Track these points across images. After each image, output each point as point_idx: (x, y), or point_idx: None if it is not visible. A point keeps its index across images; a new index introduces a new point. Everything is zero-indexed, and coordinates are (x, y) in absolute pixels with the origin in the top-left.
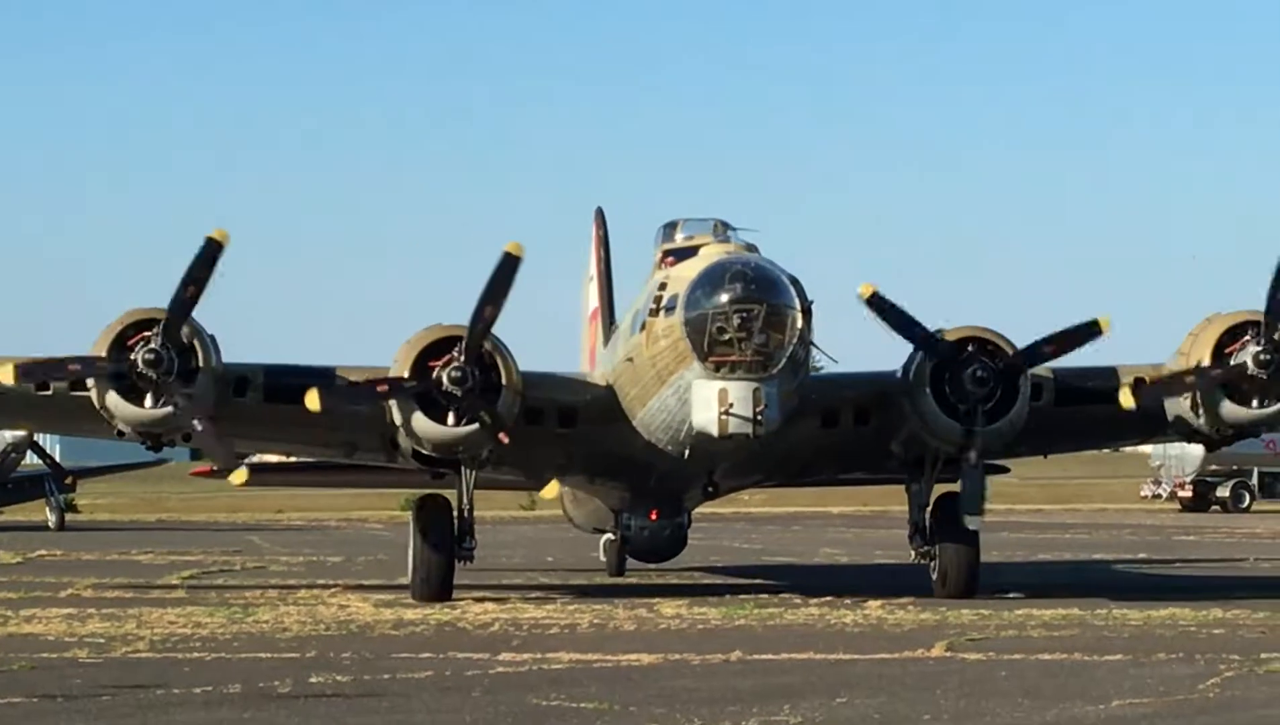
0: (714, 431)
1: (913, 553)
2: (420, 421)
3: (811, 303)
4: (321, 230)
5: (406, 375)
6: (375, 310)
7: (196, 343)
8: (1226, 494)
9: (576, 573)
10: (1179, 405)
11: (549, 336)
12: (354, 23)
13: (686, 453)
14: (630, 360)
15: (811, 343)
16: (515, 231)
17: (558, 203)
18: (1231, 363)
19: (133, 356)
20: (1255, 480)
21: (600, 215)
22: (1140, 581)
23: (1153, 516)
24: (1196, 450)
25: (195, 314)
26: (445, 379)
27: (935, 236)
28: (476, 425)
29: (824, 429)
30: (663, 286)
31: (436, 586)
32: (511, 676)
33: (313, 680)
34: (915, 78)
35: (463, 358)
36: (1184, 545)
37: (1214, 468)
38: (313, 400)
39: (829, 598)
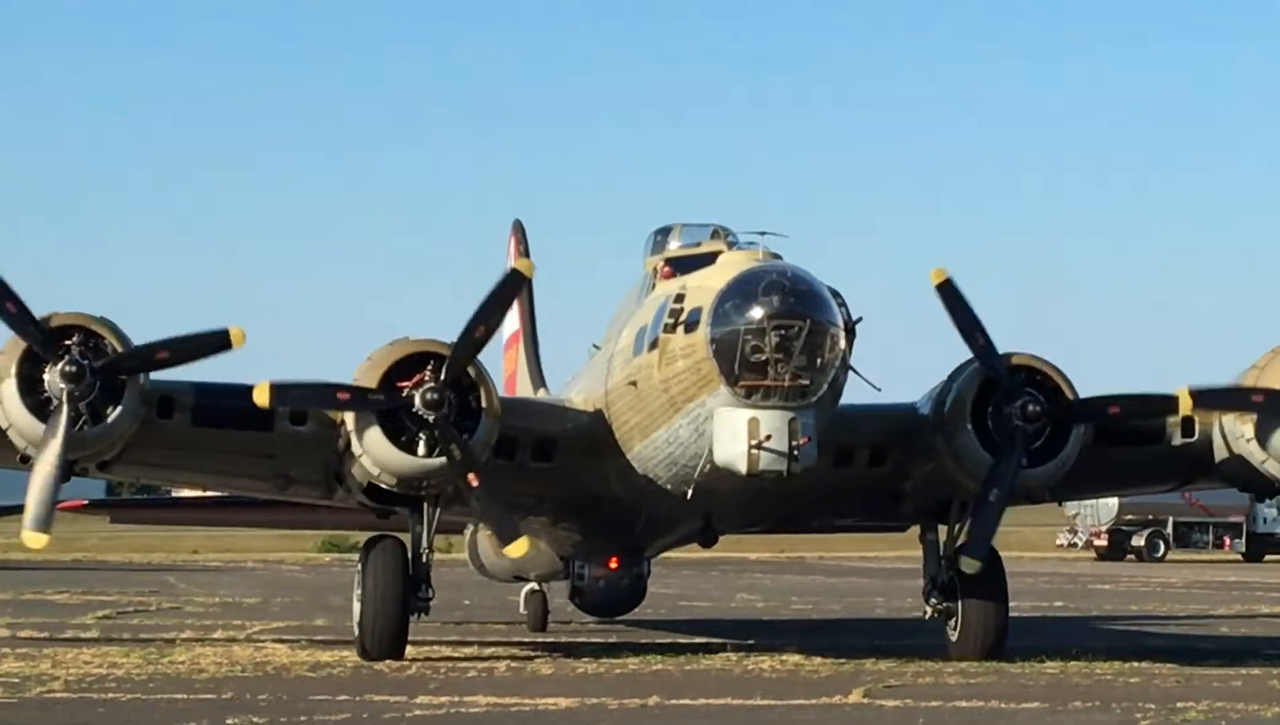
0: (742, 468)
1: (927, 609)
2: (384, 448)
3: (858, 321)
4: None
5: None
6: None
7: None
8: (1141, 543)
9: (493, 623)
10: (1239, 443)
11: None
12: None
13: (689, 493)
14: (633, 384)
15: (851, 367)
16: (424, 241)
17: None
18: None
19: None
20: (1170, 530)
21: (519, 228)
22: (1056, 630)
23: (1068, 565)
24: (1112, 499)
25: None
26: (418, 400)
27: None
28: (446, 458)
29: (835, 469)
30: (680, 298)
31: (388, 642)
32: (429, 720)
33: (229, 722)
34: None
35: (441, 378)
36: (1100, 594)
37: (1129, 517)
38: (262, 394)
39: (749, 642)
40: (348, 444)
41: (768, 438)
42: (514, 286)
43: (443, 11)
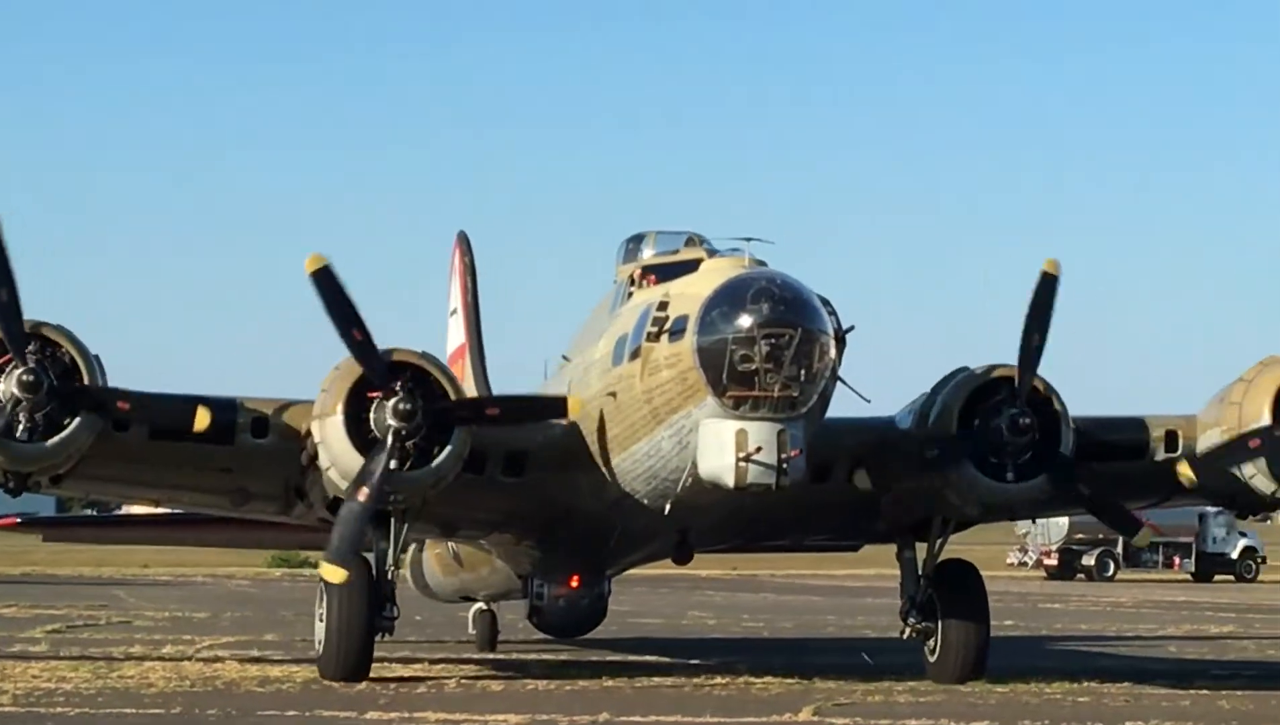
0: (729, 481)
1: (905, 629)
2: (353, 460)
3: (850, 329)
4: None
5: (341, 407)
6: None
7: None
8: (1092, 563)
9: (442, 641)
10: (1241, 466)
11: None
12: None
13: (668, 507)
14: (613, 395)
15: (839, 377)
16: (360, 259)
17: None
18: None
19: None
20: (1120, 549)
21: (464, 240)
22: (1006, 649)
23: (1019, 584)
24: (1063, 519)
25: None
26: (390, 411)
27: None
28: (425, 469)
29: (814, 484)
30: (663, 306)
31: (353, 663)
32: None
33: None
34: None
35: (419, 389)
36: (1050, 613)
37: (1080, 536)
38: (315, 261)
39: (697, 660)
40: (315, 456)
41: (757, 450)
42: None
43: (414, 10)
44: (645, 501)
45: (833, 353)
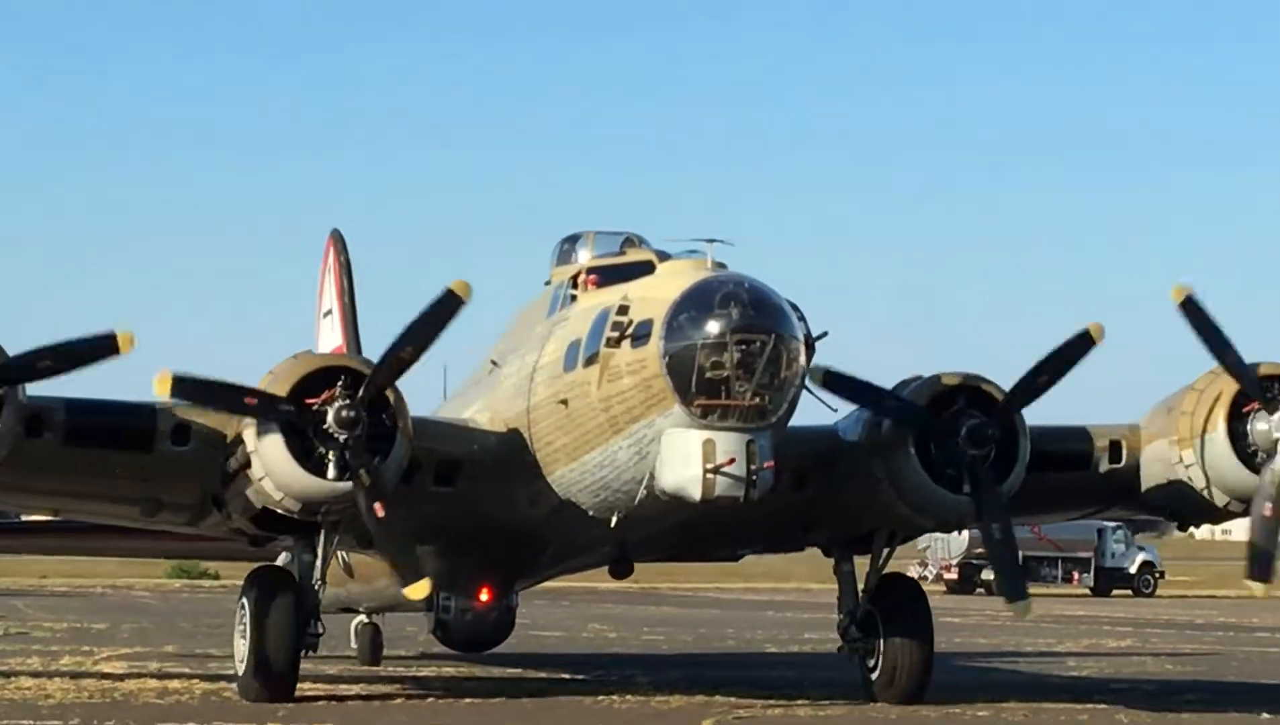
0: (695, 493)
1: (844, 645)
2: (289, 470)
3: (822, 336)
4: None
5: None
6: None
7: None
8: (991, 577)
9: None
10: (1178, 469)
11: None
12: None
13: (615, 520)
14: (564, 402)
15: (806, 386)
16: (233, 262)
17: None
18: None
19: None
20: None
21: (338, 239)
22: None
23: None
24: (963, 533)
25: None
26: (331, 418)
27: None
28: (353, 481)
29: None
30: (623, 310)
31: (279, 684)
32: None
33: None
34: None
35: (359, 395)
36: (950, 627)
37: (979, 551)
38: (162, 384)
39: (598, 673)
40: (245, 464)
41: (730, 461)
42: (448, 308)
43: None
44: (590, 513)
45: (803, 360)
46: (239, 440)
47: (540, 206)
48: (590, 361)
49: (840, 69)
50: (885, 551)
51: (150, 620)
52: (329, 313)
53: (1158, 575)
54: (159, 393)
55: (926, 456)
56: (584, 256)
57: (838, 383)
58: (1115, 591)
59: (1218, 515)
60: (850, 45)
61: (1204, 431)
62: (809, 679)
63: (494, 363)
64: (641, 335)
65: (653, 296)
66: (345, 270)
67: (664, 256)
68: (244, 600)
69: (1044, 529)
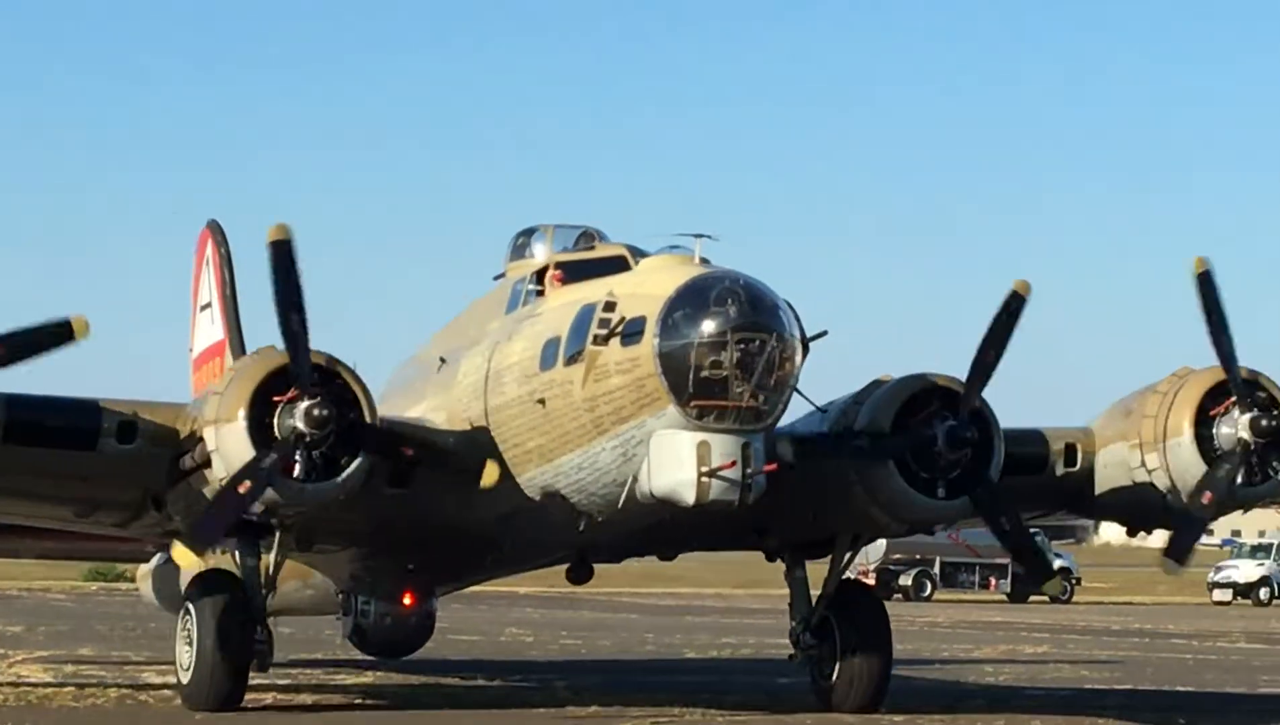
0: (688, 497)
1: (797, 652)
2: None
3: (821, 335)
4: None
5: (244, 412)
6: None
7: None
8: (909, 583)
9: None
10: (1138, 473)
11: (135, 379)
12: None
13: (584, 524)
14: (541, 402)
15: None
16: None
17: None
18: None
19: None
20: (937, 570)
21: (216, 230)
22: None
23: None
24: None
25: None
26: (301, 417)
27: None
28: (331, 482)
29: None
30: (610, 307)
31: (225, 692)
32: None
33: None
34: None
35: (314, 391)
36: None
37: (897, 556)
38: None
39: (516, 678)
40: (203, 463)
41: (730, 464)
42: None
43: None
44: (556, 516)
45: (799, 360)
46: (194, 438)
47: (457, 199)
48: (573, 360)
49: (799, 67)
50: (847, 556)
51: (66, 623)
52: (207, 306)
53: (1074, 582)
54: (270, 237)
55: (900, 463)
56: (540, 251)
57: (807, 445)
58: (1032, 598)
59: (1169, 517)
60: (824, 42)
61: (1168, 436)
62: (729, 684)
63: (442, 360)
64: (633, 333)
65: (642, 293)
66: (226, 262)
67: (636, 252)
68: (189, 605)
69: (962, 534)
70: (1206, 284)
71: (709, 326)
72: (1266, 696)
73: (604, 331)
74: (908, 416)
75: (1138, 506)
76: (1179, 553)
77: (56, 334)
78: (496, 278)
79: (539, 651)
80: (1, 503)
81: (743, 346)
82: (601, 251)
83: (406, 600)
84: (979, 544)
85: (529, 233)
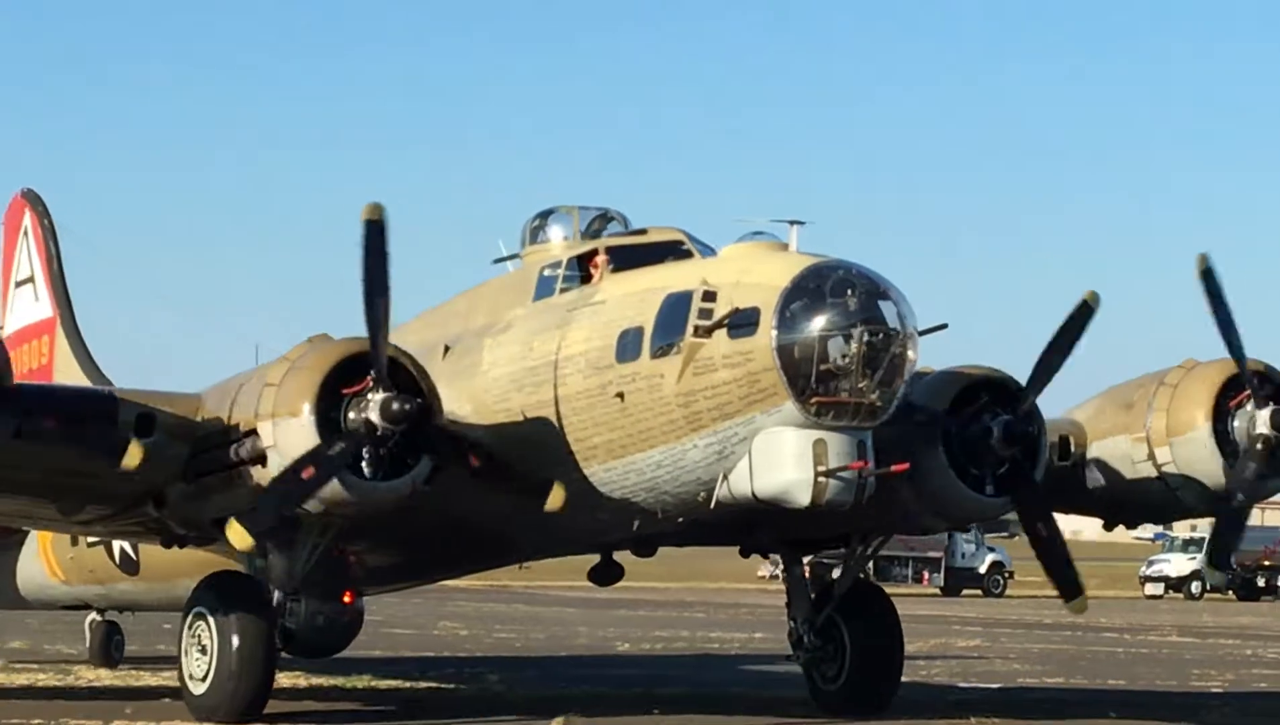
0: (803, 498)
1: (797, 654)
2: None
3: (941, 327)
4: None
5: (311, 405)
6: None
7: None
8: (838, 576)
9: None
10: (1143, 467)
11: None
12: None
13: (639, 524)
14: (619, 395)
15: None
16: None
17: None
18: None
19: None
20: (871, 564)
21: (33, 199)
22: (760, 662)
23: (770, 597)
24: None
25: None
26: (378, 413)
27: None
28: (400, 480)
29: None
30: (710, 296)
31: (248, 704)
32: None
33: None
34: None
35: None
36: None
37: (827, 551)
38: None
39: (449, 670)
40: (255, 459)
41: (863, 463)
42: (378, 235)
43: None
44: (605, 516)
45: (917, 354)
46: (238, 432)
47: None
48: (663, 352)
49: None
50: (865, 555)
51: None
52: (26, 281)
53: (1007, 575)
54: (365, 216)
55: (951, 456)
56: (559, 232)
57: (1211, 286)
58: (965, 591)
59: (1179, 515)
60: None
61: (1180, 430)
62: (661, 678)
63: (445, 347)
64: (744, 324)
65: (750, 282)
66: (50, 234)
67: (693, 238)
68: (202, 609)
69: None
70: (1210, 279)
71: (833, 318)
72: (1197, 691)
73: (707, 322)
74: (960, 406)
75: (1138, 501)
76: (1224, 555)
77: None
78: (498, 262)
79: (473, 645)
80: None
81: (868, 340)
82: (655, 236)
83: (346, 599)
84: (912, 538)
85: (546, 215)
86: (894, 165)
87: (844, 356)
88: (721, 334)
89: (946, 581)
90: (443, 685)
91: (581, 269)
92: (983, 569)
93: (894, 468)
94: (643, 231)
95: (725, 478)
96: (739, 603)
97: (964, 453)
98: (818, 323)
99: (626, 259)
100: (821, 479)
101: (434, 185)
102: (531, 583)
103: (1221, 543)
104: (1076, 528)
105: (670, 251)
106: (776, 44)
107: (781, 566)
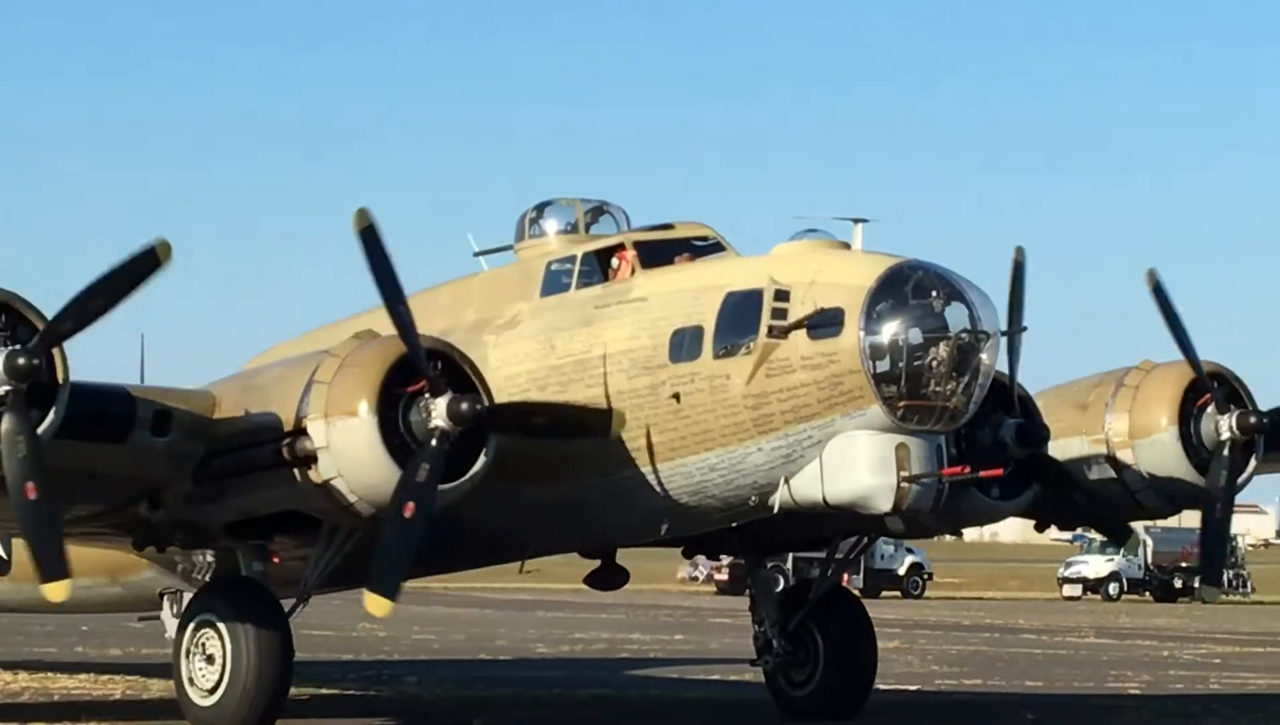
0: (884, 504)
1: (764, 659)
2: (385, 469)
3: (1022, 330)
4: None
5: (369, 405)
6: None
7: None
8: None
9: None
10: (1101, 468)
11: None
12: None
13: (668, 527)
14: (675, 396)
15: None
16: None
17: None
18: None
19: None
20: (789, 565)
21: None
22: (670, 668)
23: (690, 599)
24: None
25: None
26: (436, 411)
27: None
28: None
29: None
30: (783, 296)
31: (260, 713)
32: None
33: None
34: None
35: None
36: (718, 628)
37: None
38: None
39: (369, 673)
40: (303, 460)
41: (927, 471)
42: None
43: None
44: (631, 518)
45: (997, 357)
46: (291, 432)
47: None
48: (728, 352)
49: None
50: (853, 557)
51: None
52: None
53: (926, 577)
54: (355, 225)
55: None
56: (551, 226)
57: (1160, 295)
58: (884, 593)
59: (1131, 518)
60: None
61: (1143, 432)
62: (580, 679)
63: None
64: (826, 324)
65: (828, 281)
66: None
67: (715, 234)
68: (209, 617)
69: None
70: (1160, 293)
71: (922, 320)
72: (1114, 693)
73: (782, 322)
74: None
75: (1092, 503)
76: (1217, 571)
77: (147, 265)
78: (480, 255)
79: (391, 646)
80: None
81: (961, 343)
82: (683, 231)
83: None
84: None
85: (542, 207)
86: (893, 165)
87: (932, 359)
88: (800, 334)
89: (866, 583)
90: (362, 691)
91: (600, 264)
92: (902, 570)
93: (983, 473)
94: (669, 226)
95: (787, 482)
96: (659, 604)
97: (973, 456)
98: (906, 324)
99: (656, 255)
100: (904, 484)
101: (410, 180)
102: (449, 584)
103: (1212, 558)
104: (994, 529)
105: (702, 247)
106: (775, 40)
107: (704, 569)
